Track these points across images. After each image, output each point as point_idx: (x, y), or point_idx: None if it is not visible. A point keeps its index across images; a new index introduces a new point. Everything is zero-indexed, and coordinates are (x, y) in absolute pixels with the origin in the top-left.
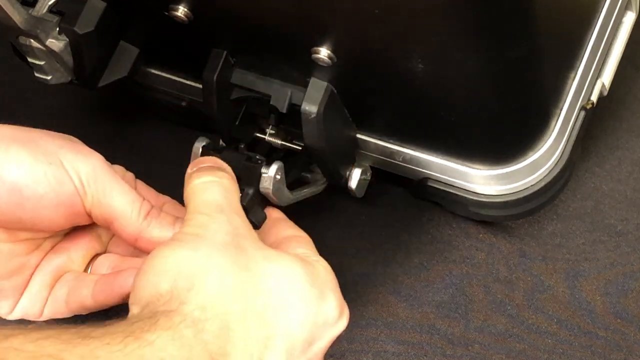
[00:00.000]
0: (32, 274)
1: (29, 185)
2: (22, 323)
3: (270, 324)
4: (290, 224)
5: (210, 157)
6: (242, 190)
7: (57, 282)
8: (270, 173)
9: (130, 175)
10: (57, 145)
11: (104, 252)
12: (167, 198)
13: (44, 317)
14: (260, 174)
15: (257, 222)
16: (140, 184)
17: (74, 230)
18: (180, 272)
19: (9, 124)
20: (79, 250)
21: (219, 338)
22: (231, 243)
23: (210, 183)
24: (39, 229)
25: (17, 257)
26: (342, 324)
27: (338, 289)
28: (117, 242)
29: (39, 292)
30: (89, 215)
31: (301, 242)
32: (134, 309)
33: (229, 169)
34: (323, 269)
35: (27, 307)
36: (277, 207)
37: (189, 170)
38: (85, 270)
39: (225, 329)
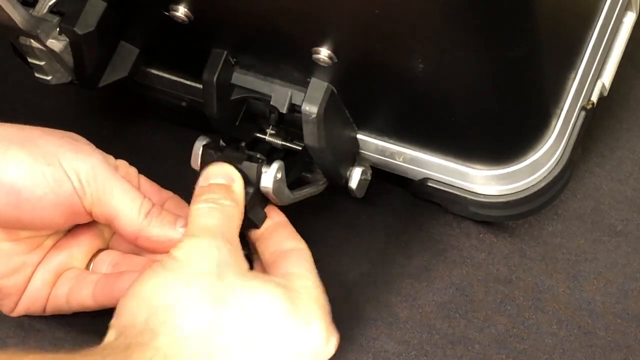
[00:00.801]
0: (34, 271)
1: (27, 187)
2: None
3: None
4: (291, 231)
5: (223, 168)
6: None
7: (59, 279)
8: (271, 172)
9: (133, 170)
10: (56, 144)
11: (106, 247)
12: (169, 194)
13: (48, 313)
14: (260, 173)
15: (257, 222)
16: (144, 180)
17: (76, 227)
18: (158, 304)
19: (9, 123)
20: (80, 247)
21: None
22: (214, 273)
23: (213, 209)
24: (38, 228)
25: (17, 255)
26: (329, 350)
27: (325, 315)
28: (119, 239)
29: (41, 290)
30: (90, 214)
31: (300, 258)
32: (111, 334)
33: (240, 182)
34: (308, 296)
35: (29, 304)
36: (277, 207)
37: (200, 183)
38: (87, 266)
39: None
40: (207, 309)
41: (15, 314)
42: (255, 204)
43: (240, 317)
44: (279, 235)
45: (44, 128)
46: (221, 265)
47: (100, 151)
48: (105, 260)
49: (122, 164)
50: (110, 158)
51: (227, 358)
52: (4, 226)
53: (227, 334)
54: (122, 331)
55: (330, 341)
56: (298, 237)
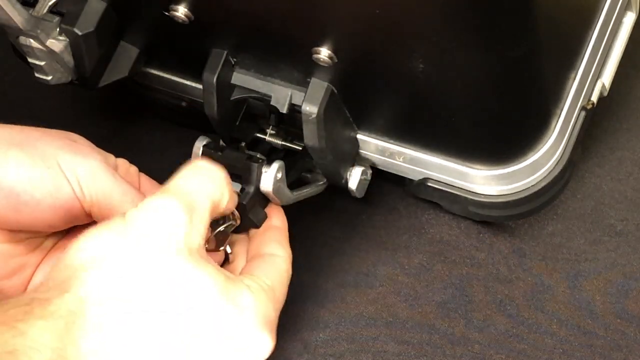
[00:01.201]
0: (34, 272)
1: (26, 190)
2: None
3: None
4: (279, 237)
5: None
6: (242, 189)
7: None
8: (271, 172)
9: (133, 169)
10: (55, 146)
11: None
12: (143, 176)
13: None
14: (261, 173)
15: (257, 222)
16: (144, 178)
17: (76, 227)
18: (78, 261)
19: (9, 124)
20: None
21: (92, 336)
22: (153, 239)
23: (196, 174)
24: (37, 230)
25: (17, 257)
26: (260, 349)
27: (261, 314)
28: None
29: None
30: (89, 216)
31: (269, 265)
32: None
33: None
34: (248, 292)
35: None
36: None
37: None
38: None
39: (99, 327)
40: (127, 274)
41: None
42: (256, 204)
43: (164, 289)
44: (264, 238)
45: (43, 129)
46: (167, 234)
47: (100, 150)
48: None
49: (123, 162)
50: (110, 157)
51: (138, 327)
52: (3, 228)
53: (141, 304)
54: (37, 287)
55: (262, 339)
56: (284, 244)
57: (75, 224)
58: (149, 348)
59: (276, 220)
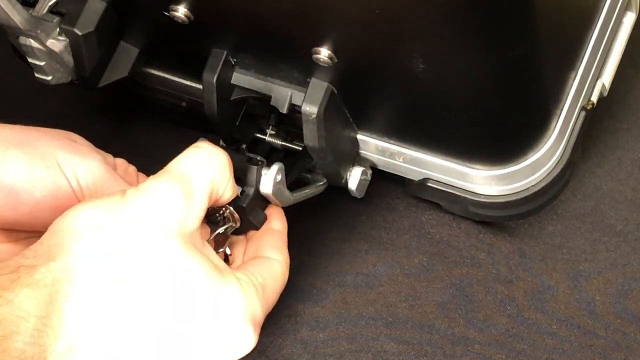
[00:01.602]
0: None
1: (25, 189)
2: None
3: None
4: (277, 241)
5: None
6: (242, 191)
7: None
8: (271, 174)
9: (132, 168)
10: (55, 146)
11: None
12: (141, 175)
13: None
14: (260, 176)
15: (257, 224)
16: (143, 177)
17: None
18: (67, 228)
19: (9, 124)
20: None
21: (76, 307)
22: (148, 220)
23: (199, 154)
24: (36, 229)
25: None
26: (245, 339)
27: (248, 305)
28: None
29: None
30: None
31: (264, 266)
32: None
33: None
34: (238, 289)
35: None
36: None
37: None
38: None
39: (83, 299)
40: (117, 251)
41: None
42: (255, 206)
43: (151, 271)
44: (262, 241)
45: (42, 128)
46: (163, 218)
47: (99, 150)
48: None
49: (121, 162)
50: (109, 157)
51: (122, 304)
52: (2, 227)
53: (127, 282)
54: (24, 253)
55: (245, 333)
56: (281, 248)
57: None
58: (131, 325)
59: (276, 223)
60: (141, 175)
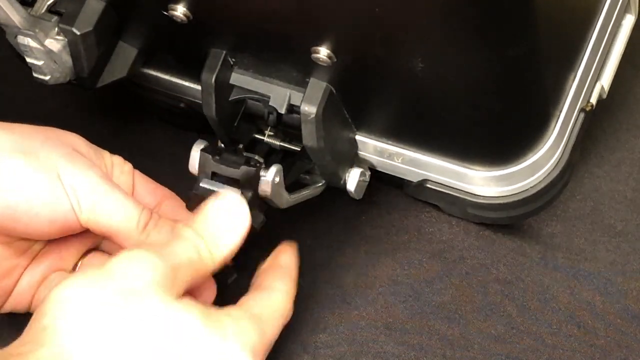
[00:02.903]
0: (21, 275)
1: (24, 201)
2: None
3: None
4: (282, 275)
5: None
6: (240, 194)
7: (44, 282)
8: (269, 177)
9: (128, 167)
10: (58, 155)
11: (97, 248)
12: (166, 191)
13: (32, 311)
14: (259, 178)
15: (255, 226)
16: (138, 176)
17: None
18: (53, 312)
19: (10, 126)
20: (70, 248)
21: None
22: (134, 291)
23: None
24: (32, 238)
25: (7, 259)
26: None
27: (248, 349)
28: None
29: (26, 292)
30: (85, 228)
31: (260, 300)
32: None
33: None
34: (231, 324)
35: (15, 303)
36: (277, 210)
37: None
38: (74, 267)
39: None
40: (106, 324)
41: (2, 311)
42: (254, 208)
43: (145, 335)
44: (268, 275)
45: (45, 132)
46: (144, 283)
47: (97, 148)
48: (93, 263)
49: (118, 161)
50: (106, 155)
51: None
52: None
53: (122, 353)
54: (14, 343)
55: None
56: (287, 281)
57: (70, 233)
58: None
59: (284, 258)
60: (137, 173)
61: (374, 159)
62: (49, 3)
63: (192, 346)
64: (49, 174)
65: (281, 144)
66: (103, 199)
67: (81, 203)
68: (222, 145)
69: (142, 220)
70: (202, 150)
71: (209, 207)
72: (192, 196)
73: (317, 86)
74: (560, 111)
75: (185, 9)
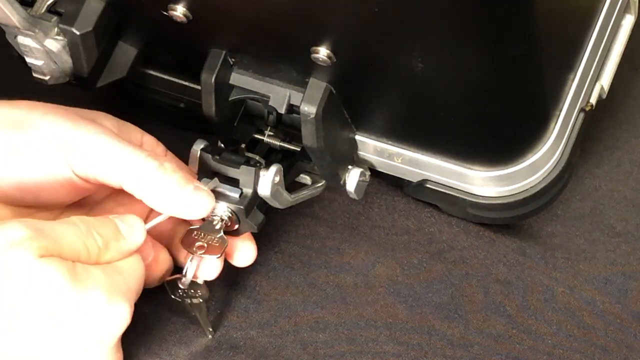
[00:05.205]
0: None
1: (28, 172)
2: None
3: None
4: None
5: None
6: (241, 193)
7: None
8: (269, 176)
9: (161, 148)
10: (59, 122)
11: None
12: (169, 155)
13: None
14: (258, 177)
15: (256, 225)
16: (171, 157)
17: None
18: None
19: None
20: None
21: None
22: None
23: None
24: (48, 205)
25: None
26: (112, 316)
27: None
28: None
29: None
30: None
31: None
32: None
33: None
34: (98, 272)
35: None
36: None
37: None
38: None
39: None
40: None
41: None
42: (254, 208)
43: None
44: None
45: (51, 107)
46: (11, 244)
47: (128, 124)
48: None
49: (149, 140)
50: (136, 132)
51: None
52: (12, 204)
53: None
54: None
55: (114, 308)
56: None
57: (84, 195)
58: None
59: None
60: (170, 154)
61: (373, 159)
62: (48, 3)
63: (53, 296)
64: (43, 141)
65: (281, 144)
66: (107, 157)
67: (78, 159)
68: (222, 145)
69: (150, 161)
70: (202, 150)
71: (115, 218)
72: None
73: (317, 86)
74: (560, 111)
75: (185, 9)
